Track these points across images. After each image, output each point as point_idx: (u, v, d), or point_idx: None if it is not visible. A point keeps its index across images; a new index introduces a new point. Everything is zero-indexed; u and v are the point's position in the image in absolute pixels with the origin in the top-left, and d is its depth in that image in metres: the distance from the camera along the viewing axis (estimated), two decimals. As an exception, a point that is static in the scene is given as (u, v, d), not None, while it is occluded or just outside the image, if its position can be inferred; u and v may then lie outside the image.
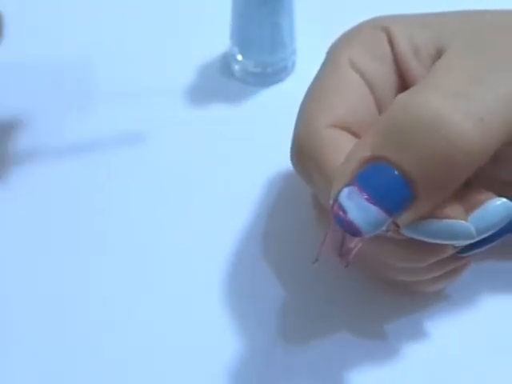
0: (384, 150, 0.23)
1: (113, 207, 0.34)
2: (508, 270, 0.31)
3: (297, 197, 0.33)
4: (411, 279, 0.29)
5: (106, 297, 0.31)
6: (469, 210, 0.25)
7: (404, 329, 0.30)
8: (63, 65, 0.39)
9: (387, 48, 0.28)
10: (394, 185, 0.23)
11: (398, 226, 0.24)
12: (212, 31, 0.40)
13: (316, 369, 0.29)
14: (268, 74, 0.39)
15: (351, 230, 0.23)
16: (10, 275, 0.31)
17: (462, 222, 0.24)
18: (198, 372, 0.29)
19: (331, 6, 0.41)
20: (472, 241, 0.25)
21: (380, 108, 0.28)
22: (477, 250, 0.27)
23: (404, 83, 0.28)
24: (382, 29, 0.29)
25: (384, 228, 0.24)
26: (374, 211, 0.23)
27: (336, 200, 0.24)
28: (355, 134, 0.27)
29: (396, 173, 0.23)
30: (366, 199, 0.23)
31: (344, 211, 0.23)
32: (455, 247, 0.26)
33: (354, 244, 0.25)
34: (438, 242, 0.25)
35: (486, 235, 0.25)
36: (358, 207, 0.23)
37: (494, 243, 0.26)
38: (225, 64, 0.40)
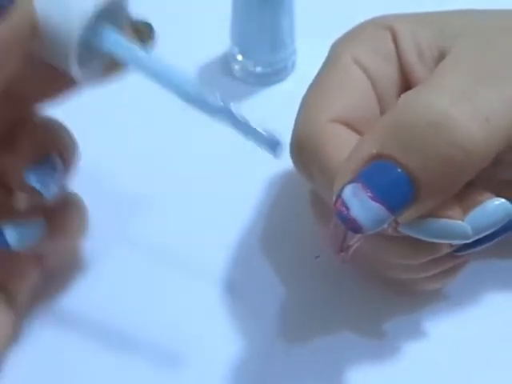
0: (389, 149, 0.24)
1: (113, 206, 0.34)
2: (506, 269, 0.32)
3: (296, 195, 0.33)
4: (409, 277, 0.29)
5: (105, 295, 0.31)
6: (466, 209, 0.25)
7: (403, 327, 0.30)
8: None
9: (391, 46, 0.28)
10: (399, 183, 0.23)
11: (397, 223, 0.24)
12: (212, 31, 0.40)
13: (315, 368, 0.29)
14: (268, 74, 0.39)
15: (353, 227, 0.23)
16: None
17: (459, 222, 0.24)
18: (197, 371, 0.29)
19: (331, 6, 0.41)
20: (469, 240, 0.25)
21: (382, 104, 0.28)
22: (474, 250, 0.27)
23: (406, 82, 0.28)
24: (386, 27, 0.29)
25: (385, 226, 0.24)
26: (377, 209, 0.23)
27: (339, 196, 0.24)
28: (356, 130, 0.27)
29: (401, 172, 0.23)
30: (370, 197, 0.23)
31: (347, 207, 0.23)
32: (452, 246, 0.26)
33: (355, 241, 0.25)
34: (434, 240, 0.25)
35: (483, 235, 0.25)
36: (361, 204, 0.23)
37: (491, 243, 0.26)
38: (225, 64, 0.40)
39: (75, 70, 0.22)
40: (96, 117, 0.36)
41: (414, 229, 0.24)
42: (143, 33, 0.24)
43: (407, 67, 0.28)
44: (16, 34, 0.20)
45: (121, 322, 0.30)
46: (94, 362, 0.29)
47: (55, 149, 0.27)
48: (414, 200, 0.23)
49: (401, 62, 0.28)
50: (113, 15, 0.23)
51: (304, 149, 0.27)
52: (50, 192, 0.26)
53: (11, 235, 0.27)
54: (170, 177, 0.35)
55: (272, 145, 0.23)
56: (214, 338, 0.30)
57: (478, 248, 0.27)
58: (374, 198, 0.23)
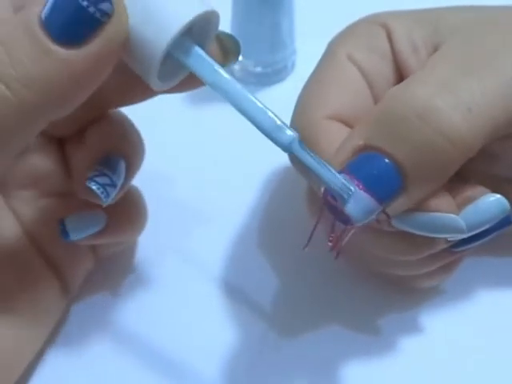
0: (376, 140, 0.24)
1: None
2: (503, 265, 0.32)
3: (293, 192, 0.33)
4: (405, 274, 0.29)
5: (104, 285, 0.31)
6: (462, 204, 0.25)
7: (399, 324, 0.30)
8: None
9: (386, 43, 0.29)
10: (386, 173, 0.24)
11: (389, 216, 0.24)
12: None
13: (308, 362, 0.29)
14: (268, 74, 0.39)
15: (342, 218, 0.24)
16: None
17: (451, 215, 0.25)
18: (189, 363, 0.29)
19: (331, 6, 0.41)
20: (465, 235, 0.25)
21: (376, 101, 0.28)
22: (471, 245, 0.27)
23: (401, 78, 0.28)
24: (381, 25, 0.29)
25: (374, 217, 0.24)
26: (366, 199, 0.23)
27: None
28: (351, 126, 0.27)
29: (387, 162, 0.24)
30: (358, 187, 0.23)
31: (335, 199, 0.23)
32: (448, 241, 0.26)
33: (345, 233, 0.25)
34: (428, 234, 0.25)
35: (479, 230, 0.25)
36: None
37: (487, 238, 0.27)
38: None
39: (155, 82, 0.22)
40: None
41: (407, 222, 0.25)
42: (227, 46, 0.24)
43: (402, 64, 0.28)
44: (111, 45, 0.21)
45: (119, 318, 0.31)
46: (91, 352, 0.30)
47: (122, 150, 0.27)
48: (401, 190, 0.24)
49: (396, 59, 0.28)
50: (200, 29, 0.23)
51: None
52: (108, 199, 0.26)
53: (71, 226, 0.27)
54: (169, 174, 0.35)
55: (343, 190, 0.23)
56: (206, 331, 0.30)
57: (475, 244, 0.27)
58: (361, 189, 0.23)
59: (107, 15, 0.21)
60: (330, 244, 0.25)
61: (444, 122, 0.23)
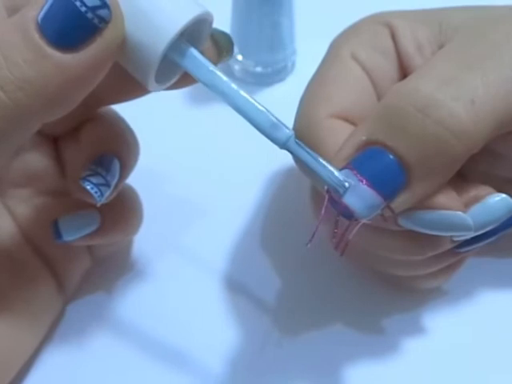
0: (378, 135, 0.24)
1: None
2: (505, 266, 0.31)
3: (297, 190, 0.33)
4: (408, 274, 0.29)
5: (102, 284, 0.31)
6: (469, 203, 0.25)
7: (402, 324, 0.30)
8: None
9: (390, 43, 0.28)
10: (389, 168, 0.23)
11: (394, 213, 0.24)
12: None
13: (310, 361, 0.29)
14: (268, 74, 0.39)
15: (346, 213, 0.24)
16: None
17: (459, 213, 0.24)
18: (192, 361, 0.29)
19: (331, 6, 0.41)
20: (471, 234, 0.25)
21: (380, 100, 0.28)
22: (476, 245, 0.27)
23: (405, 77, 0.28)
24: (385, 23, 0.29)
25: (379, 212, 0.24)
26: (368, 193, 0.23)
27: None
28: (356, 125, 0.27)
29: (391, 156, 0.24)
30: (361, 182, 0.23)
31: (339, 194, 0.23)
32: (454, 241, 0.26)
33: (349, 230, 0.25)
34: (435, 233, 0.25)
35: (485, 230, 0.25)
36: (353, 190, 0.23)
37: (493, 238, 0.27)
38: (225, 64, 0.40)
39: (152, 84, 0.22)
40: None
41: (414, 221, 0.24)
42: (220, 43, 0.24)
43: (406, 63, 0.28)
44: (107, 50, 0.21)
45: (119, 312, 0.31)
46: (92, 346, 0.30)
47: (116, 150, 0.27)
48: (405, 184, 0.24)
49: (400, 58, 0.28)
50: (195, 30, 0.23)
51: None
52: (102, 199, 0.26)
53: (64, 227, 0.27)
54: (169, 173, 0.35)
55: (339, 185, 0.23)
56: (206, 329, 0.30)
57: (480, 244, 0.27)
58: (365, 184, 0.23)
59: (105, 21, 0.21)
60: (333, 241, 0.25)
61: (445, 113, 0.23)
